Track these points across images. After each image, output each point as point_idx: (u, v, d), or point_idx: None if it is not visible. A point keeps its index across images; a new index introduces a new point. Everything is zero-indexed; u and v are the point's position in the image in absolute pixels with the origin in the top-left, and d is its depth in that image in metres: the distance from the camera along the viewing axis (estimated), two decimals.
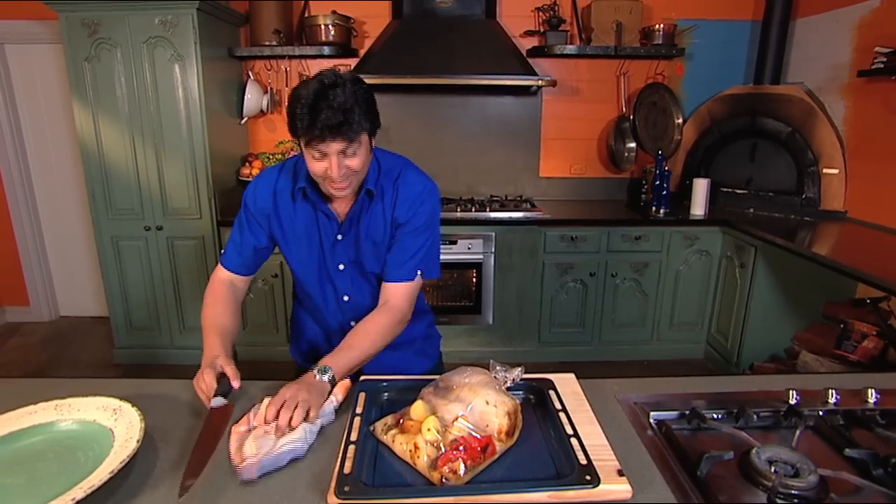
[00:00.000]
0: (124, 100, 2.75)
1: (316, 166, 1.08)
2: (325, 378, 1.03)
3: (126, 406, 0.96)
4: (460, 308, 3.09)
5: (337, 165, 1.06)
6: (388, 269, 1.23)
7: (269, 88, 3.24)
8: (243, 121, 3.25)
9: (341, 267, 1.26)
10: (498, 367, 0.97)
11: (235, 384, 1.03)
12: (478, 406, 0.88)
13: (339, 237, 1.23)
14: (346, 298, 1.29)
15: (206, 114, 2.78)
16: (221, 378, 1.04)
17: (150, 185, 2.86)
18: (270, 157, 3.21)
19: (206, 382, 1.02)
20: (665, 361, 3.20)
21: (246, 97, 3.15)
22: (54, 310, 3.80)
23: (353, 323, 1.29)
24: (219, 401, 0.98)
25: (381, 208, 1.22)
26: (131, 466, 0.86)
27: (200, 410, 1.04)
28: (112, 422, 0.95)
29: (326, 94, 1.00)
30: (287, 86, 3.26)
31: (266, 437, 0.88)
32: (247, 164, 3.23)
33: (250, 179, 3.16)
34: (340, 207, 1.23)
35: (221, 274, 1.32)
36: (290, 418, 0.91)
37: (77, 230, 3.62)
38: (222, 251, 1.32)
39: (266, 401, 0.96)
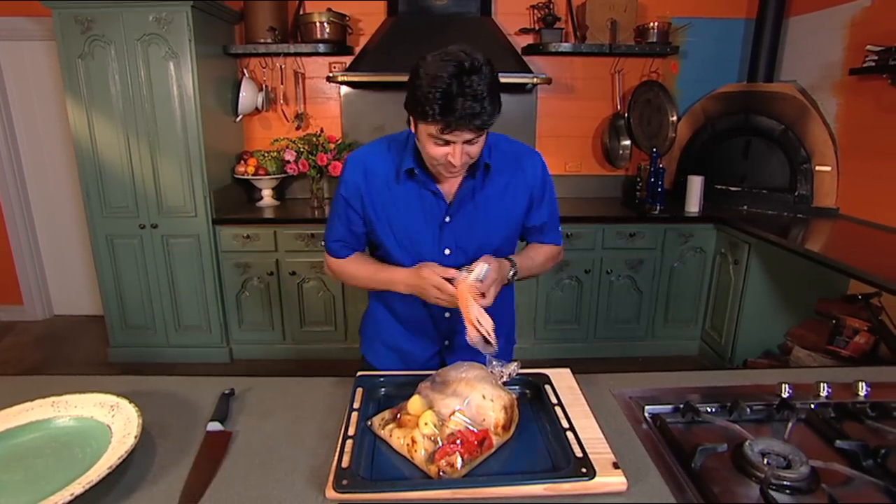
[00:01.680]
0: (118, 97, 2.73)
1: (436, 151, 1.03)
2: (511, 272, 1.17)
3: (123, 402, 0.96)
4: None
5: (460, 154, 1.02)
6: (545, 232, 1.29)
7: (263, 86, 3.23)
8: (238, 118, 3.24)
9: (447, 252, 1.18)
10: (494, 363, 0.98)
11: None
12: (474, 400, 0.89)
13: (448, 219, 1.16)
14: None
15: (200, 111, 2.77)
16: (220, 402, 1.04)
17: (145, 183, 2.85)
18: (266, 154, 3.20)
19: (437, 273, 1.07)
20: (659, 358, 3.22)
21: (241, 95, 3.14)
22: (48, 308, 3.78)
23: (447, 314, 1.24)
24: (215, 426, 0.97)
25: (504, 183, 1.18)
26: (129, 462, 0.87)
27: (198, 406, 1.04)
28: (109, 418, 0.95)
29: (463, 81, 0.93)
30: (282, 83, 3.26)
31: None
32: (242, 161, 3.22)
33: (245, 177, 3.16)
34: (448, 186, 1.16)
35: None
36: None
37: (71, 228, 3.61)
38: (325, 243, 1.28)
39: (478, 271, 1.05)
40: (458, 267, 1.12)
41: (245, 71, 3.22)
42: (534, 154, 1.24)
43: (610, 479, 0.80)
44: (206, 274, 2.96)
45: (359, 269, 1.24)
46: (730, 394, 1.05)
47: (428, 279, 1.08)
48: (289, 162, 3.18)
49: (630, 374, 1.18)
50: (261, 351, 3.13)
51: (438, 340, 1.29)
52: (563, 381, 1.10)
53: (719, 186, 3.26)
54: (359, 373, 1.12)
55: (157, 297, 3.01)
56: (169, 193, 2.87)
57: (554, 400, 1.00)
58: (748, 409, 0.99)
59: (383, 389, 1.08)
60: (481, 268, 1.06)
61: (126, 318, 3.06)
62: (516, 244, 1.29)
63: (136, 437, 0.87)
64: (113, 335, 3.10)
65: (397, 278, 1.16)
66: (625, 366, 3.13)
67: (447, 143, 1.01)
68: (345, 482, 0.78)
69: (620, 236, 3.01)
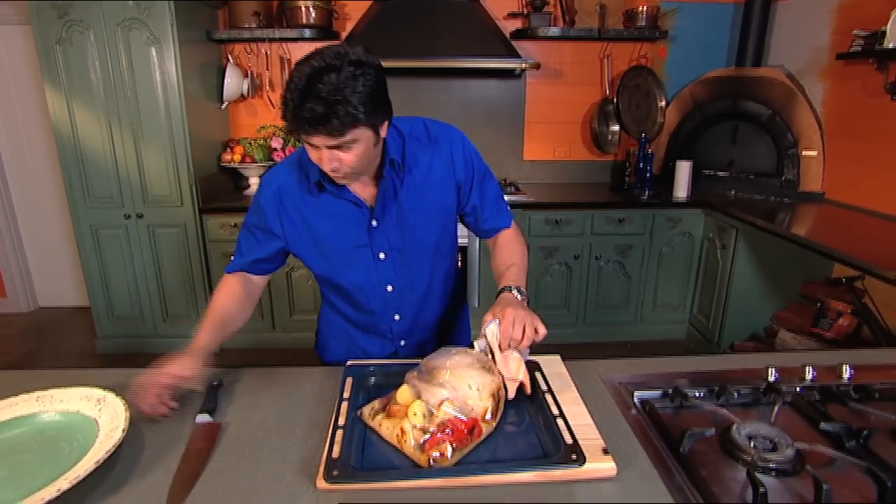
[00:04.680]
0: (99, 84, 2.67)
1: (312, 155, 0.98)
2: (520, 297, 1.07)
3: (110, 396, 0.95)
4: None
5: (327, 159, 0.94)
6: (492, 220, 1.22)
7: (249, 72, 3.18)
8: (223, 106, 3.19)
9: (382, 256, 1.14)
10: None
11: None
12: (462, 389, 0.89)
13: (374, 223, 1.11)
14: (389, 289, 1.18)
15: (184, 99, 2.72)
16: (208, 393, 1.01)
17: (129, 172, 2.80)
18: (252, 142, 3.15)
19: (151, 401, 0.92)
20: (648, 342, 3.25)
21: (226, 81, 3.08)
22: (32, 300, 3.72)
23: (396, 317, 1.20)
24: (204, 417, 0.96)
25: (425, 173, 1.12)
26: (117, 456, 0.86)
27: (186, 398, 1.03)
28: (96, 412, 0.94)
29: (317, 80, 0.86)
30: (268, 69, 3.21)
31: (512, 358, 0.97)
32: (228, 149, 3.17)
33: (232, 165, 3.12)
34: (366, 191, 1.10)
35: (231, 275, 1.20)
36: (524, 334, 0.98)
37: (54, 219, 3.54)
38: (235, 257, 1.21)
39: (492, 327, 0.98)
40: (397, 267, 1.14)
41: (230, 57, 3.16)
42: (452, 133, 1.16)
43: (600, 465, 0.81)
44: (193, 263, 2.92)
45: (214, 298, 1.14)
46: (718, 378, 1.06)
47: (156, 381, 0.94)
48: (276, 149, 3.14)
49: (619, 359, 1.19)
50: (250, 340, 3.11)
51: (394, 341, 1.26)
52: (552, 368, 1.10)
53: (707, 171, 3.28)
54: (349, 362, 1.12)
55: (144, 287, 2.98)
56: (154, 182, 2.83)
57: (544, 387, 1.00)
58: (735, 394, 1.00)
59: (373, 379, 1.07)
60: (489, 330, 0.99)
61: (113, 308, 3.02)
62: (456, 233, 1.26)
63: (123, 430, 0.86)
64: (100, 326, 3.06)
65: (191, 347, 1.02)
66: (614, 350, 3.16)
67: (313, 146, 0.94)
68: (335, 472, 0.78)
69: (609, 222, 3.02)
